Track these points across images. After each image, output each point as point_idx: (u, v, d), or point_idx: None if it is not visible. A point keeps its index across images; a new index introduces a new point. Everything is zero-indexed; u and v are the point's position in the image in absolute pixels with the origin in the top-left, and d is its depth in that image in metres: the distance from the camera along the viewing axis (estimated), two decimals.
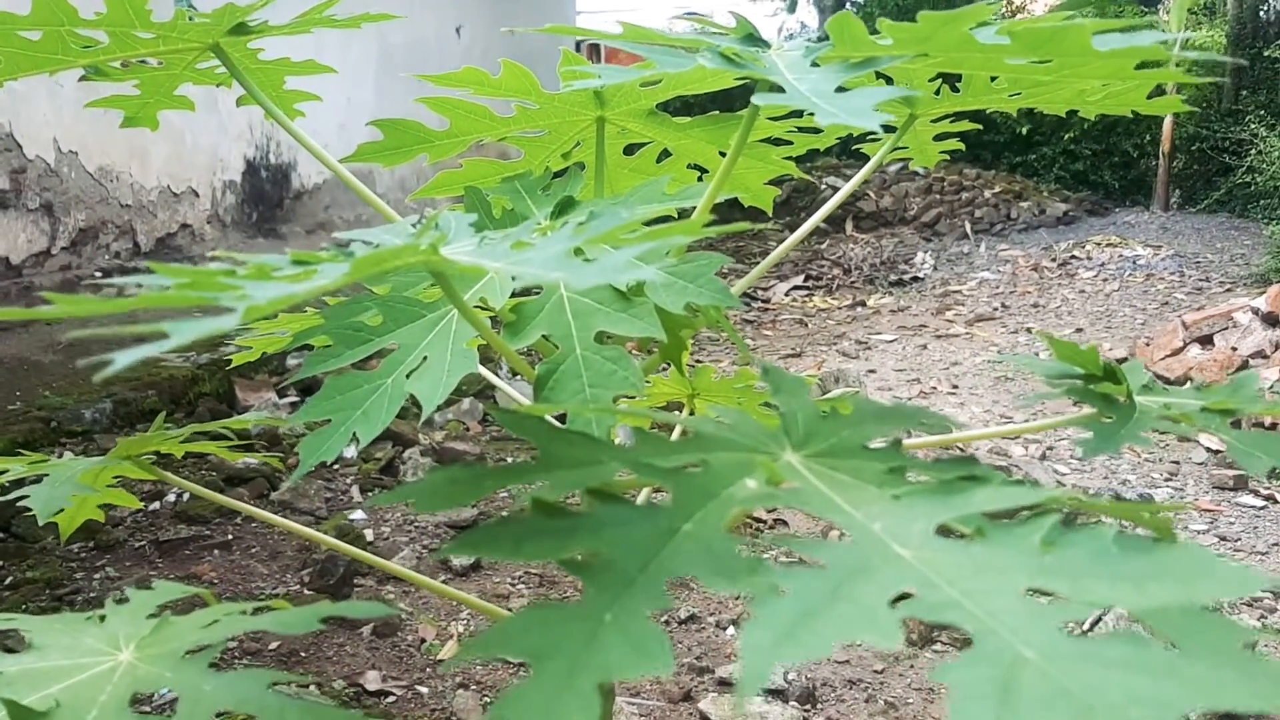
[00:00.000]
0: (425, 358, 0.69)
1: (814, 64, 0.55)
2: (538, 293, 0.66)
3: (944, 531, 0.40)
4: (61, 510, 1.08)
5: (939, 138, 0.96)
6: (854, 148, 0.98)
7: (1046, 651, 0.32)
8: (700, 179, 0.92)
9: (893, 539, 0.38)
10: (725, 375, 1.07)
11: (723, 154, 0.86)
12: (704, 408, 1.04)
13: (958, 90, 0.82)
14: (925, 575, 0.36)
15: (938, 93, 0.82)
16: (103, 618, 0.60)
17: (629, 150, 0.91)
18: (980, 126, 0.93)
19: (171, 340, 0.35)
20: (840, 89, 0.52)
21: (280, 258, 0.47)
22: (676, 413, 0.98)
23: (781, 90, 0.53)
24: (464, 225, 0.52)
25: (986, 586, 0.35)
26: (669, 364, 0.78)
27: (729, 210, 0.82)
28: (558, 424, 0.67)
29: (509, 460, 3.80)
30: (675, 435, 0.98)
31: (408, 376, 0.69)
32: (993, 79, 0.77)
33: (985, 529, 0.39)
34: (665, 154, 0.92)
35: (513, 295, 0.70)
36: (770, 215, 0.90)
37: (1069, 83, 0.75)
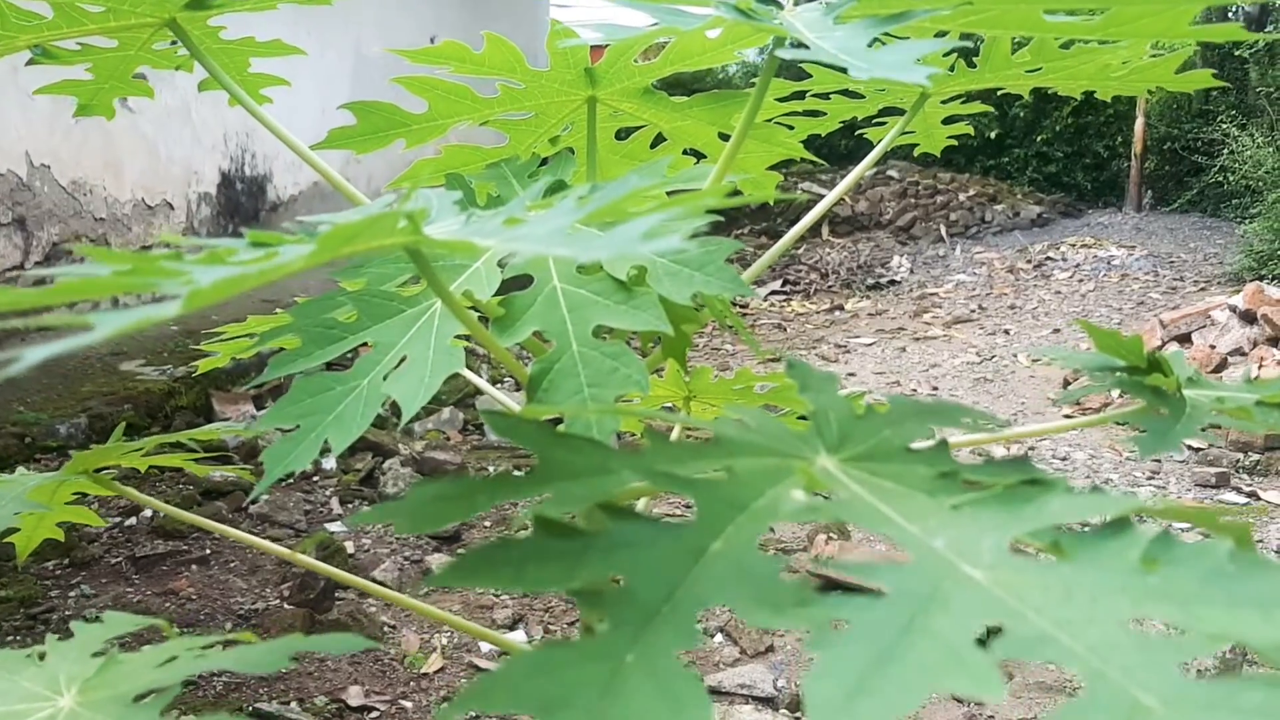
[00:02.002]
0: (404, 357, 0.63)
1: (837, 20, 0.49)
2: (529, 286, 0.60)
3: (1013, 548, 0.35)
4: (16, 530, 1.00)
5: (947, 121, 0.91)
6: (858, 133, 0.93)
7: (1170, 698, 0.26)
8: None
9: (960, 558, 0.32)
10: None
11: (723, 137, 0.80)
12: (700, 410, 0.99)
13: (973, 66, 0.77)
14: (1007, 603, 0.30)
15: (952, 69, 0.77)
16: (42, 656, 0.52)
17: (621, 135, 0.85)
18: (993, 109, 0.89)
19: (97, 332, 0.29)
20: (870, 46, 0.46)
21: (238, 241, 0.41)
22: (685, 414, 0.92)
23: (805, 47, 0.47)
24: (448, 203, 0.46)
25: (1083, 615, 0.29)
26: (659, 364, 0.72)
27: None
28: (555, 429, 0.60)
29: (490, 470, 3.74)
30: (675, 437, 0.92)
31: (385, 378, 0.62)
32: (1014, 49, 0.72)
33: (1067, 545, 0.33)
34: (659, 140, 0.86)
35: (499, 290, 0.63)
36: (772, 202, 0.85)
37: (1095, 56, 0.70)
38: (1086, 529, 0.35)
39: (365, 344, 0.67)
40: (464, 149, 0.79)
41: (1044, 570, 0.32)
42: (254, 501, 3.23)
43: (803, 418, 0.98)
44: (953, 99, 0.87)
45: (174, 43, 0.86)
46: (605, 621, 0.30)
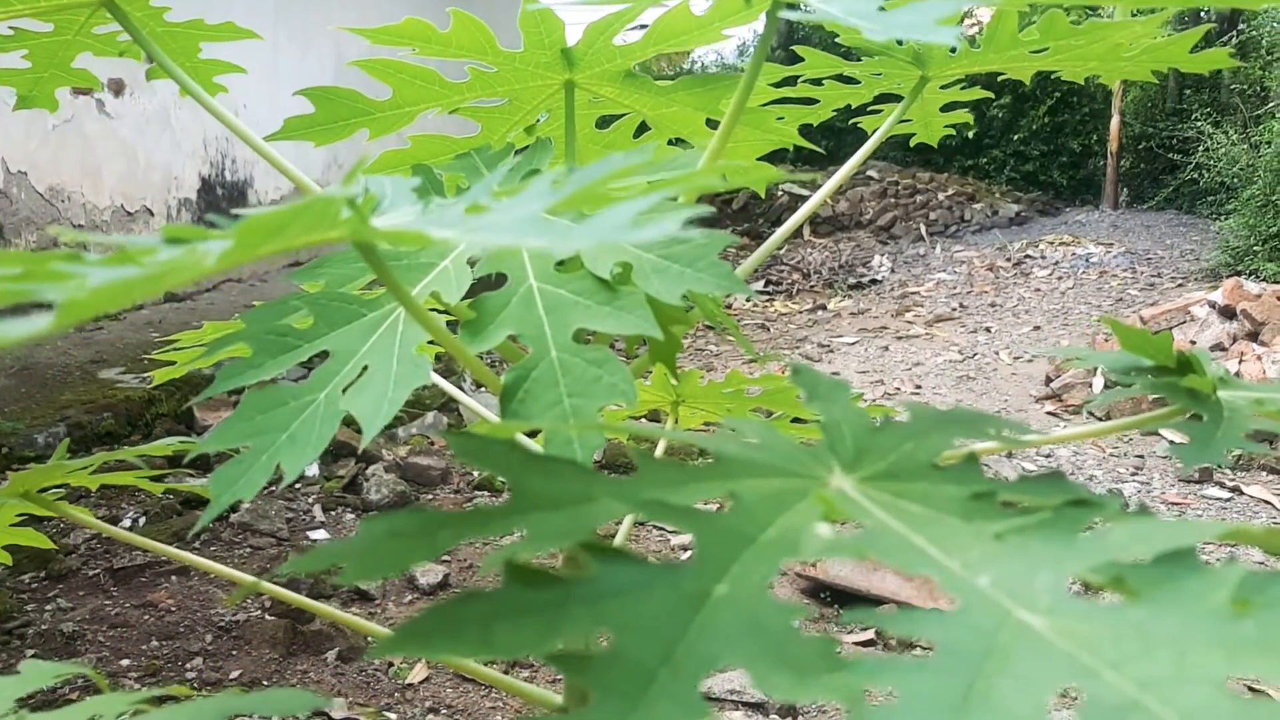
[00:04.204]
0: (365, 367, 0.57)
1: None
2: (501, 284, 0.54)
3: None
4: None
5: (946, 109, 0.86)
6: (852, 121, 0.88)
7: None
8: None
9: (1014, 601, 0.27)
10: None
11: (711, 125, 0.75)
12: (689, 416, 0.93)
13: (976, 46, 0.72)
14: (1077, 658, 0.25)
15: (953, 51, 0.72)
16: None
17: (602, 125, 0.79)
18: (993, 95, 0.84)
19: None
20: (883, 8, 0.41)
21: (154, 239, 0.35)
22: (671, 427, 0.86)
23: (809, 10, 0.42)
24: (404, 191, 0.40)
25: (1169, 673, 0.24)
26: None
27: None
28: (532, 445, 0.55)
29: (475, 475, 3.66)
30: (660, 451, 0.87)
31: (344, 391, 0.56)
32: (1022, 28, 0.67)
33: (1134, 582, 0.28)
34: (643, 130, 0.81)
35: (471, 291, 0.58)
36: (764, 195, 0.79)
37: (1107, 33, 0.65)
38: (1148, 560, 0.30)
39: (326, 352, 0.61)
40: (433, 139, 0.73)
41: (1113, 615, 0.27)
42: (233, 510, 3.16)
43: (797, 420, 0.93)
44: (952, 84, 0.82)
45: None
46: (592, 692, 0.25)
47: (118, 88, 4.98)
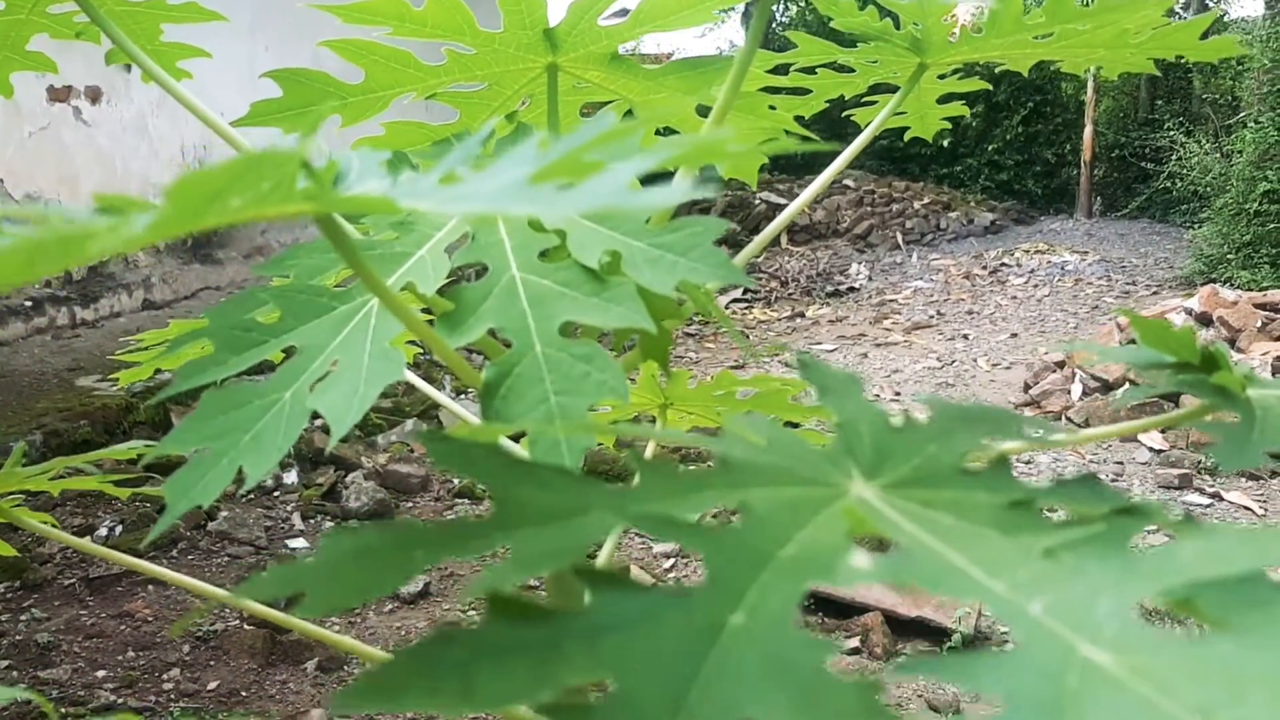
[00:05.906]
0: (335, 363, 0.52)
1: None
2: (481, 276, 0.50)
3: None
4: None
5: (943, 100, 0.83)
6: (844, 114, 0.85)
7: None
8: None
9: (1076, 632, 0.23)
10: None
11: (702, 114, 0.71)
12: (677, 420, 0.89)
13: (978, 34, 0.69)
14: (1155, 704, 0.21)
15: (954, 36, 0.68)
16: None
17: (586, 113, 0.75)
18: (991, 87, 0.81)
19: None
20: None
21: (82, 210, 0.31)
22: (663, 428, 0.82)
23: None
24: (372, 165, 0.36)
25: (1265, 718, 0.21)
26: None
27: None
28: (517, 449, 0.51)
29: (456, 482, 3.60)
30: (648, 453, 0.83)
31: (311, 388, 0.52)
32: (1026, 12, 0.64)
33: (1209, 608, 0.24)
34: (629, 118, 0.77)
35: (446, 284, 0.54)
36: (749, 193, 0.76)
37: (1115, 17, 0.62)
38: (1222, 581, 0.26)
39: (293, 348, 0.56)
40: (408, 126, 0.69)
41: (1190, 649, 0.23)
42: (210, 519, 3.09)
43: (790, 424, 0.89)
44: (949, 74, 0.79)
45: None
46: None
47: (95, 95, 4.90)
